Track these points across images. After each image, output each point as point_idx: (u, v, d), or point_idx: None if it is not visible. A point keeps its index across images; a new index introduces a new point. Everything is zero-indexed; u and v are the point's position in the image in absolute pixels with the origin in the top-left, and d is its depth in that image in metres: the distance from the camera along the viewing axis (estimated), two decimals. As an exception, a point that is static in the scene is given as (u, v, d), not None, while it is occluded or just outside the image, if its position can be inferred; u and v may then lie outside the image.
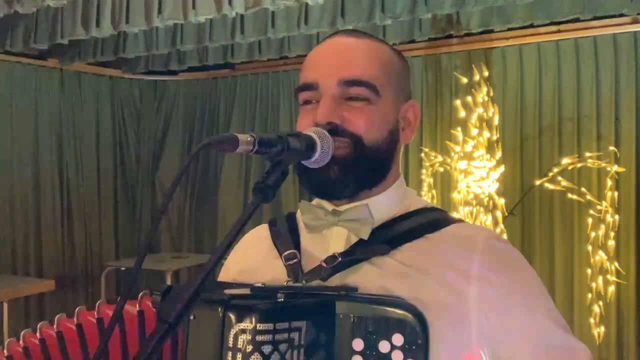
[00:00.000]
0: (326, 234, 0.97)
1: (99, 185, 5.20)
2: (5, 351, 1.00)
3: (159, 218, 0.86)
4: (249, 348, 0.78)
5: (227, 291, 0.87)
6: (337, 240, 0.96)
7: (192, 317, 0.84)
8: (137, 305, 0.96)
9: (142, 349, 0.68)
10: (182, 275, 5.20)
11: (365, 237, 0.93)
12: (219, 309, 0.81)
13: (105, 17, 3.25)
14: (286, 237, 1.01)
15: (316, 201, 1.00)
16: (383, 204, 0.96)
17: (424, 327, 0.80)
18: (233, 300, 0.82)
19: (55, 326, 0.98)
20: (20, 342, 0.99)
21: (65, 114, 4.90)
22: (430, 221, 0.96)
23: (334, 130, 0.90)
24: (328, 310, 0.82)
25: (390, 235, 0.94)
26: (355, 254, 0.92)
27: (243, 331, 0.79)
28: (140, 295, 0.94)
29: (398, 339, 0.80)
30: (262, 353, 0.78)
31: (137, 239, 5.51)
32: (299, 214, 1.05)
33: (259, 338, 0.78)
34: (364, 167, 0.93)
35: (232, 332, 0.79)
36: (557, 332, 0.91)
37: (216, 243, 5.28)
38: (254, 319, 0.78)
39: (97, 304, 0.98)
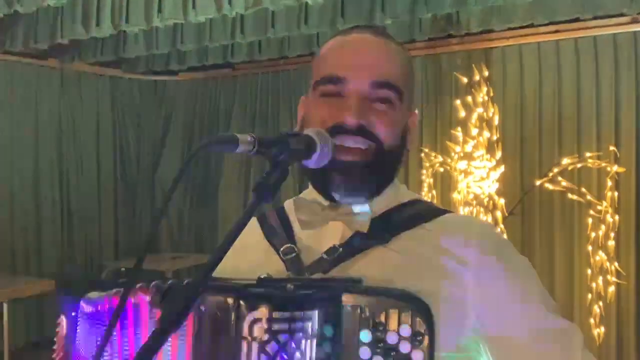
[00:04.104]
0: (321, 228, 0.97)
1: (98, 185, 5.21)
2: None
3: (158, 218, 0.84)
4: (265, 337, 0.77)
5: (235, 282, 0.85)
6: (332, 234, 0.96)
7: (202, 309, 0.82)
8: None
9: (141, 348, 0.68)
10: (182, 276, 5.20)
11: (365, 230, 0.93)
12: (232, 298, 0.79)
13: (105, 17, 3.25)
14: (280, 232, 1.01)
15: (310, 196, 1.00)
16: (381, 198, 0.98)
17: (431, 318, 0.81)
18: (245, 289, 0.81)
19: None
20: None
21: (65, 114, 4.90)
22: (424, 210, 0.98)
23: (362, 131, 0.91)
24: (335, 301, 0.81)
25: (388, 226, 0.95)
26: (355, 245, 0.93)
27: (258, 320, 0.77)
28: None
29: (406, 330, 0.80)
30: (278, 342, 0.77)
31: (137, 239, 5.51)
32: (288, 207, 1.05)
33: (275, 327, 0.77)
34: (380, 173, 0.94)
35: (247, 321, 0.78)
36: (550, 316, 0.92)
37: (216, 243, 5.27)
38: (269, 308, 0.77)
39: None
